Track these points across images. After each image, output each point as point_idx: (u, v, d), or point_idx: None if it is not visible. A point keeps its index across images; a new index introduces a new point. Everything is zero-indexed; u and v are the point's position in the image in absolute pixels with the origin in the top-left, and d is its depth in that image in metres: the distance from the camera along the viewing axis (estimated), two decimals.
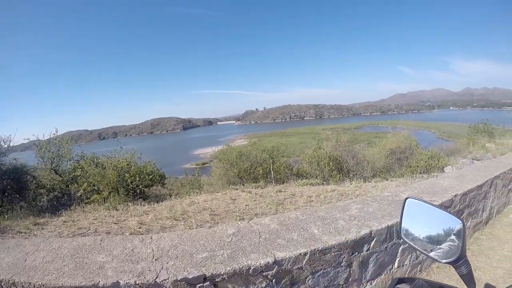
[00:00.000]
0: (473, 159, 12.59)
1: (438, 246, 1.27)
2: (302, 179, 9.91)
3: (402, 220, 1.46)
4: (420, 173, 10.72)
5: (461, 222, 1.22)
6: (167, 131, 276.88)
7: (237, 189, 8.15)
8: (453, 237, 1.22)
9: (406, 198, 1.47)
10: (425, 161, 12.52)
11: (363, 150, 15.12)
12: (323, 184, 9.06)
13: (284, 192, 7.24)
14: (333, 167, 11.53)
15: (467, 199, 4.97)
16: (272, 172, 10.84)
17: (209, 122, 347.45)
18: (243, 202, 6.47)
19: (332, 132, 15.29)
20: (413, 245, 1.38)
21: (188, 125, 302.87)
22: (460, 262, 1.16)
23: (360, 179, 9.84)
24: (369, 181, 8.87)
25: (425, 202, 1.41)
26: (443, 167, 11.92)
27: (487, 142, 15.34)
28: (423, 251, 1.34)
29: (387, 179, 9.37)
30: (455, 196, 4.66)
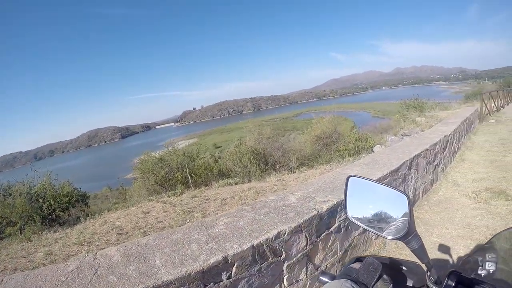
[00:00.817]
0: (402, 135, 12.77)
1: (386, 223, 1.24)
2: (224, 179, 9.68)
3: (347, 199, 1.43)
4: (351, 155, 10.73)
5: (406, 197, 1.17)
6: (105, 142, 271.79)
7: (152, 200, 7.75)
8: (399, 212, 1.20)
9: (349, 177, 1.45)
10: (353, 143, 12.35)
11: (290, 140, 15.34)
12: (244, 182, 8.81)
13: (199, 197, 7.05)
14: (255, 162, 11.17)
15: None
16: (189, 176, 10.40)
17: (147, 127, 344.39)
18: (154, 215, 6.21)
19: (254, 125, 15.15)
20: (360, 224, 1.36)
21: (126, 133, 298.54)
22: (410, 237, 1.15)
23: (286, 170, 9.80)
24: (294, 172, 8.75)
25: (368, 179, 1.39)
26: (372, 147, 11.87)
27: (417, 116, 15.76)
28: (371, 229, 1.31)
29: (313, 167, 9.20)
30: None
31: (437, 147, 6.72)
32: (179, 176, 10.50)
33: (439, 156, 6.90)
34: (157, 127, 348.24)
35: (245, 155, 11.33)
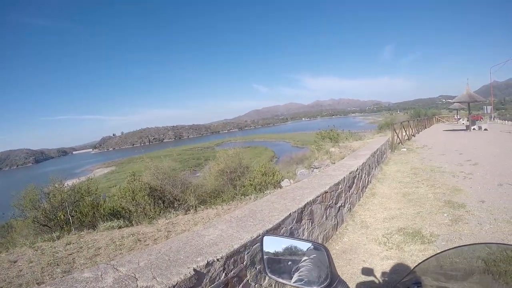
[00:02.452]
0: (312, 167, 12.40)
1: (306, 275, 1.28)
2: (114, 220, 8.38)
3: (264, 257, 1.48)
4: (257, 190, 10.30)
5: (323, 248, 1.26)
6: (17, 165, 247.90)
7: (25, 245, 6.47)
8: (320, 263, 1.26)
9: (263, 236, 1.54)
10: (259, 178, 11.82)
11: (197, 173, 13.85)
12: (132, 224, 7.81)
13: (74, 244, 6.05)
14: (151, 200, 10.29)
15: (241, 259, 3.14)
16: (69, 216, 9.20)
17: (64, 152, 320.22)
18: (20, 266, 5.12)
19: (151, 159, 13.97)
20: (281, 281, 1.39)
21: (41, 157, 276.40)
22: (335, 284, 1.20)
23: (183, 209, 8.82)
24: (190, 212, 8.06)
25: (283, 236, 1.70)
26: (280, 182, 11.41)
27: (331, 147, 15.70)
28: (293, 284, 1.32)
29: (211, 206, 8.56)
30: (214, 262, 2.79)
31: (340, 186, 5.94)
32: (62, 216, 9.19)
33: (343, 196, 6.12)
34: (74, 152, 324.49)
35: (139, 193, 10.33)
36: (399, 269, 4.00)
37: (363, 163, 7.88)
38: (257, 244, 3.32)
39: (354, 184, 6.86)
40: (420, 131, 27.34)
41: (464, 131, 25.18)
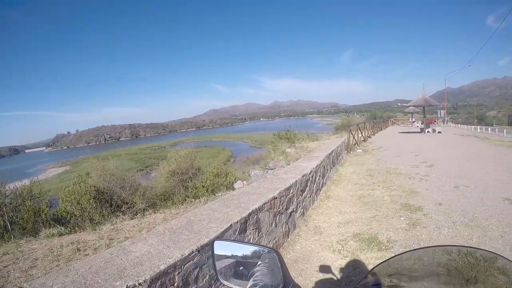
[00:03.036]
0: (267, 168, 12.07)
1: (260, 281, 1.26)
2: (56, 227, 7.54)
3: (215, 262, 1.46)
4: (210, 192, 9.99)
5: (275, 252, 1.26)
6: None
7: None
8: (274, 268, 1.25)
9: (214, 241, 1.52)
10: (211, 180, 11.36)
11: (143, 177, 14.24)
12: (75, 231, 7.10)
13: (10, 254, 5.28)
14: (97, 204, 9.58)
15: (170, 281, 2.68)
16: (8, 223, 8.33)
17: (16, 151, 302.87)
18: None
19: (97, 160, 12.99)
20: (233, 286, 1.37)
21: None
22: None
23: (131, 214, 8.52)
24: (135, 217, 7.46)
25: (235, 241, 1.54)
26: (233, 183, 10.97)
27: (287, 147, 15.43)
28: None
29: (158, 211, 7.71)
30: (136, 287, 2.34)
31: (291, 191, 5.57)
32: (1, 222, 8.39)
33: (295, 200, 5.75)
34: (26, 151, 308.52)
35: (84, 196, 9.52)
36: (355, 279, 3.72)
37: (317, 165, 7.59)
38: (190, 262, 2.91)
39: (308, 187, 6.51)
40: (376, 133, 27.92)
41: (419, 134, 25.92)
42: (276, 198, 4.82)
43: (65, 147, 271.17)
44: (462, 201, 6.45)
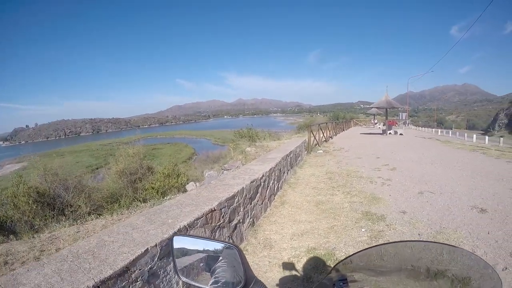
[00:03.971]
0: (223, 169, 11.54)
1: (221, 277, 1.25)
2: None
3: (175, 259, 1.40)
4: (160, 194, 9.83)
5: (236, 248, 1.22)
6: None
7: None
8: (235, 264, 1.21)
9: (173, 236, 1.54)
10: (162, 181, 10.82)
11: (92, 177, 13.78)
12: (9, 239, 6.25)
13: None
14: (35, 208, 8.71)
15: None
16: None
17: None
18: None
19: (40, 158, 12.51)
20: (196, 284, 1.33)
21: None
22: (251, 285, 1.16)
23: (73, 219, 7.50)
24: (75, 224, 6.52)
25: (194, 236, 1.62)
26: (186, 185, 10.51)
27: (248, 146, 15.19)
28: (210, 287, 1.25)
29: (100, 216, 6.99)
30: None
31: (237, 199, 4.86)
32: None
33: (242, 210, 5.04)
34: None
35: (22, 198, 8.71)
36: None
37: (271, 168, 6.92)
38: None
39: (258, 194, 5.83)
40: (338, 133, 27.74)
41: (380, 135, 25.95)
42: (215, 210, 4.07)
43: (23, 142, 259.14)
44: (428, 209, 5.98)
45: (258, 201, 5.74)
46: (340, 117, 58.53)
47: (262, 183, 6.06)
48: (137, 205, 7.07)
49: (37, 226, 7.53)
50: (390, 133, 25.98)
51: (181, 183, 10.66)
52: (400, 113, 43.32)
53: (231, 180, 5.52)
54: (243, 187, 5.01)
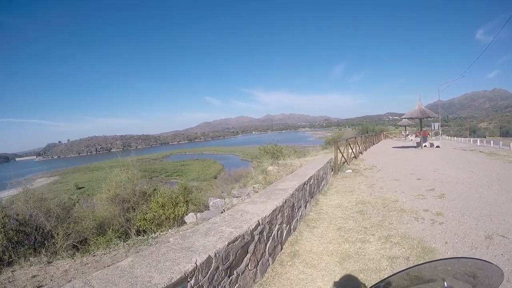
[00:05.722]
0: (232, 196, 10.14)
1: None
2: None
3: None
4: (155, 226, 8.63)
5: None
6: None
7: None
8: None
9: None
10: (155, 212, 9.16)
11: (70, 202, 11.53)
12: None
13: None
14: (6, 241, 7.54)
15: None
16: None
17: (6, 159, 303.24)
18: None
19: (71, 173, 10.68)
20: None
21: None
22: None
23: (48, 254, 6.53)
24: (41, 263, 5.70)
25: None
26: (184, 216, 8.78)
27: (270, 164, 13.96)
28: None
29: (72, 256, 6.05)
30: None
31: (212, 267, 2.97)
32: None
33: (236, 272, 3.36)
34: (17, 159, 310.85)
35: None
36: None
37: (276, 209, 4.85)
38: None
39: (249, 255, 3.74)
40: (368, 148, 24.92)
41: (415, 148, 23.36)
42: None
43: (56, 157, 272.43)
44: (509, 269, 3.80)
45: (247, 265, 3.67)
46: (369, 129, 55.77)
47: (256, 237, 3.99)
48: (115, 244, 6.19)
49: (6, 261, 6.77)
50: (425, 146, 23.29)
51: (178, 214, 8.95)
52: (432, 123, 40.41)
53: (200, 238, 3.42)
54: (208, 257, 2.93)
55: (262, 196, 5.70)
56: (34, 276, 5.12)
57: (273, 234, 4.56)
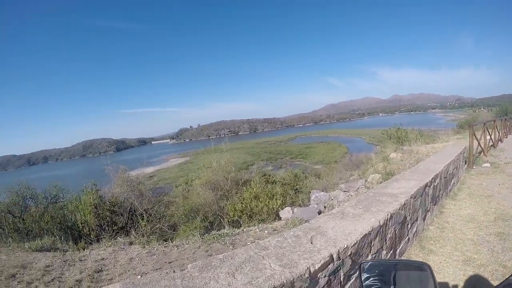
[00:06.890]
0: (340, 189, 8.85)
1: None
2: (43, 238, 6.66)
3: (363, 285, 1.43)
4: (247, 217, 8.27)
5: (427, 265, 1.31)
6: (100, 153, 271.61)
7: None
8: (423, 281, 1.29)
9: (361, 263, 1.49)
10: (248, 203, 8.66)
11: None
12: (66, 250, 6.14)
13: None
14: (99, 221, 8.11)
15: None
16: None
17: (143, 142, 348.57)
18: None
19: (200, 154, 11.42)
20: None
21: (121, 146, 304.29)
22: None
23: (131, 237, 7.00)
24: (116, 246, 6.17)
25: (381, 260, 1.71)
26: (278, 210, 8.28)
27: (393, 151, 12.90)
28: None
29: (152, 241, 6.48)
30: None
31: None
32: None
33: None
34: (153, 142, 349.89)
35: (87, 208, 8.04)
36: None
37: (368, 233, 3.26)
38: None
39: None
40: (509, 134, 19.39)
41: None
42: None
43: (187, 140, 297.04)
44: None
45: None
46: (510, 111, 46.75)
47: (321, 281, 2.57)
48: (193, 235, 6.34)
49: (94, 239, 7.30)
50: None
51: (273, 208, 8.20)
52: None
53: (229, 277, 2.30)
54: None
55: (359, 204, 4.25)
56: (103, 259, 5.37)
57: (355, 274, 3.03)
